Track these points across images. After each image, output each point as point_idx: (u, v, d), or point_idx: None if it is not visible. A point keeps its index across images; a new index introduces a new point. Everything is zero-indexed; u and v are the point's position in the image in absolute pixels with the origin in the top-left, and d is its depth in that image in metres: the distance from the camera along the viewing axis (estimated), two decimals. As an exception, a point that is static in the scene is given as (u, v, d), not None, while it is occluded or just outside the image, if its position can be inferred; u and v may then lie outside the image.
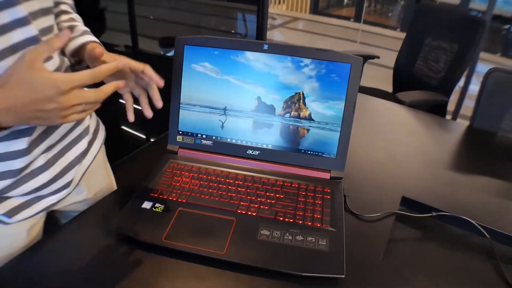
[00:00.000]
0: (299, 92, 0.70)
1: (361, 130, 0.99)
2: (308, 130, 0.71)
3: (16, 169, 0.54)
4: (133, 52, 2.77)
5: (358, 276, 0.54)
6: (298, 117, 0.71)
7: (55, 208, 0.68)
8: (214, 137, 0.75)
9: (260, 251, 0.55)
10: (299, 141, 0.72)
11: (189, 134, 0.76)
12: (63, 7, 0.69)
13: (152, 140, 2.22)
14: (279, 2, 7.01)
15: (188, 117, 0.75)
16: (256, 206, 0.63)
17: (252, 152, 0.74)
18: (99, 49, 0.61)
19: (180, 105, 0.75)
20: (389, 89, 1.88)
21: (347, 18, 6.13)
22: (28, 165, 0.56)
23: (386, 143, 0.93)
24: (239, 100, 0.73)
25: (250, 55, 0.70)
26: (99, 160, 0.76)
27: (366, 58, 1.83)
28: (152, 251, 0.56)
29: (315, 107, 0.70)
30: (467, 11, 1.60)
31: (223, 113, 0.74)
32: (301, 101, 0.71)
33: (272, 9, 6.99)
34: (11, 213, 0.58)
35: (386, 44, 4.15)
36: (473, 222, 0.64)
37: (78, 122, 0.66)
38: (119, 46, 3.74)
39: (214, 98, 0.73)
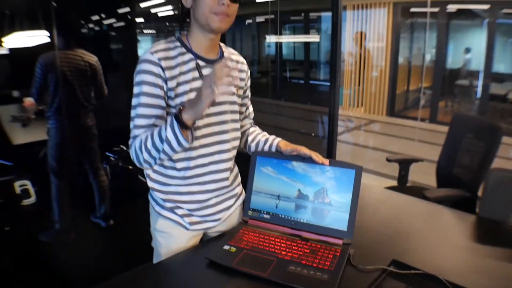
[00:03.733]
0: (323, 187, 1.14)
1: (379, 217, 1.35)
2: (329, 211, 1.13)
3: (197, 203, 1.16)
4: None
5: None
6: (323, 203, 1.14)
7: (209, 231, 1.25)
8: (271, 213, 1.20)
9: (283, 276, 0.95)
10: (323, 218, 1.13)
11: (256, 210, 1.23)
12: (252, 124, 1.40)
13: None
14: (357, 105, 7.63)
15: (257, 199, 1.23)
16: (290, 254, 1.04)
17: (294, 223, 1.16)
18: (289, 147, 1.21)
19: (252, 192, 1.23)
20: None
21: (422, 119, 6.43)
22: (200, 208, 1.18)
23: (397, 225, 1.28)
24: (287, 191, 1.18)
25: (294, 164, 1.18)
26: (237, 210, 1.30)
27: (411, 161, 2.19)
28: (224, 270, 1.00)
29: (333, 197, 1.13)
30: (485, 121, 1.94)
31: (277, 198, 1.20)
32: (325, 192, 1.14)
33: (350, 112, 7.58)
34: (191, 224, 1.17)
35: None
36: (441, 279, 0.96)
37: (232, 194, 1.26)
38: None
39: (272, 188, 1.20)
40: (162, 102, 1.06)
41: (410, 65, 7.47)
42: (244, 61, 1.26)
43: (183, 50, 1.11)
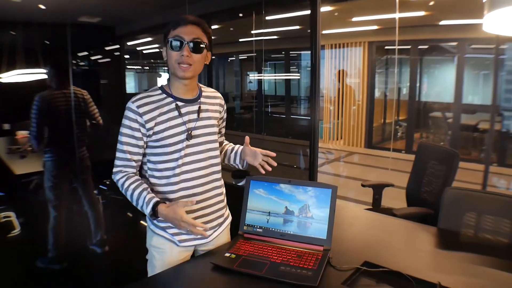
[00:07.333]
0: (306, 204, 1.39)
1: (354, 230, 1.60)
2: (311, 224, 1.37)
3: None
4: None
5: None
6: (306, 217, 1.38)
7: (199, 248, 1.45)
8: (263, 227, 1.43)
9: (276, 274, 1.18)
10: (306, 229, 1.37)
11: (250, 225, 1.45)
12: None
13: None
14: (337, 138, 8.00)
15: (250, 216, 1.46)
16: (281, 258, 1.27)
17: (282, 235, 1.40)
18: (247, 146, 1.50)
19: (247, 210, 1.46)
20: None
21: (398, 150, 6.82)
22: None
23: (368, 235, 1.52)
24: (276, 208, 1.42)
25: (282, 185, 1.43)
26: (225, 231, 1.52)
27: (383, 186, 2.46)
28: (226, 273, 1.22)
29: (314, 211, 1.37)
30: (445, 148, 2.24)
31: (268, 215, 1.43)
32: (307, 208, 1.38)
33: (330, 145, 7.93)
34: (180, 241, 1.37)
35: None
36: (403, 272, 1.20)
37: (217, 215, 1.47)
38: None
39: (264, 207, 1.44)
40: (137, 142, 1.34)
41: (386, 99, 7.94)
42: (221, 96, 1.53)
43: (164, 95, 1.37)
